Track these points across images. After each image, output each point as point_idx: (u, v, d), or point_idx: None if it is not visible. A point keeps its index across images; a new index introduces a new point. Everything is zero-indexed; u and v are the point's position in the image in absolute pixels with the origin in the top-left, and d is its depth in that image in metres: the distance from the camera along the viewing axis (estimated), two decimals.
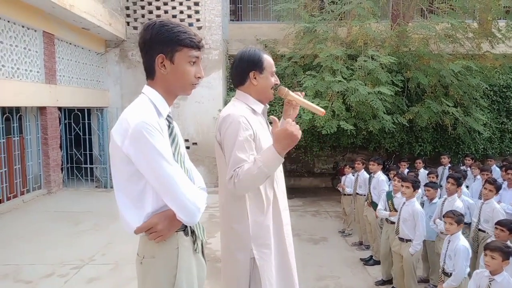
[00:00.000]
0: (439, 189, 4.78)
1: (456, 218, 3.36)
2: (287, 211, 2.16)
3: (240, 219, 1.98)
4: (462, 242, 3.33)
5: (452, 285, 3.23)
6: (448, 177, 4.50)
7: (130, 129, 1.38)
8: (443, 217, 3.53)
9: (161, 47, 1.50)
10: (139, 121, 1.38)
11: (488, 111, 9.47)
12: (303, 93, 2.19)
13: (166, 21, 1.53)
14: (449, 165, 7.38)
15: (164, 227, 1.45)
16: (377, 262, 5.23)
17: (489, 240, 3.38)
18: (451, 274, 3.29)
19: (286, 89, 2.11)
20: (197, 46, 1.55)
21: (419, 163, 7.29)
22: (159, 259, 1.49)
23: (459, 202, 4.26)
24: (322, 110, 2.14)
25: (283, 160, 1.85)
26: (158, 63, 1.51)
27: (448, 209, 4.16)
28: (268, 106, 2.20)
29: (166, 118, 1.56)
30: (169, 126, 1.56)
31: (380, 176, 5.55)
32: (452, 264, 3.29)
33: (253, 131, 1.95)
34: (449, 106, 8.10)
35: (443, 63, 8.28)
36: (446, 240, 3.46)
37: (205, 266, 1.68)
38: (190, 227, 1.58)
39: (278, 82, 2.14)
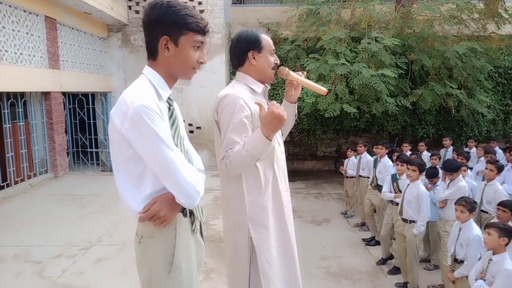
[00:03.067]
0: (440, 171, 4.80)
1: (469, 206, 3.30)
2: (287, 191, 2.15)
3: (237, 199, 1.99)
4: (475, 231, 3.28)
5: (463, 274, 3.21)
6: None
7: (129, 112, 1.36)
8: (455, 204, 3.49)
9: (166, 29, 1.46)
10: (139, 104, 1.35)
11: (493, 93, 9.41)
12: (305, 72, 2.17)
13: (173, 2, 1.48)
14: (452, 147, 7.39)
15: (166, 211, 1.45)
16: (379, 243, 5.32)
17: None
18: (461, 261, 3.28)
19: (287, 69, 2.09)
20: (203, 31, 1.52)
21: (422, 145, 7.32)
22: (157, 239, 1.50)
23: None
24: (324, 89, 2.13)
25: (271, 143, 1.85)
26: (162, 45, 1.48)
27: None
28: (268, 87, 2.19)
29: (167, 101, 1.54)
30: (169, 109, 1.55)
31: (388, 161, 5.57)
32: (464, 252, 3.26)
33: (251, 111, 1.94)
34: (453, 88, 8.06)
35: (447, 44, 8.20)
36: (457, 227, 3.43)
37: (204, 246, 1.69)
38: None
39: (278, 62, 2.12)
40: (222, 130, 1.94)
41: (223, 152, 1.89)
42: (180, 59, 1.50)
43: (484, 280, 2.79)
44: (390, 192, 4.83)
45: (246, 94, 1.99)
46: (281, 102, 2.10)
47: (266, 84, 2.14)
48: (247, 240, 1.98)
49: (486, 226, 2.95)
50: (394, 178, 4.86)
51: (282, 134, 2.29)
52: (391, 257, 4.80)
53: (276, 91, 9.05)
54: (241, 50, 2.06)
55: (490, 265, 2.82)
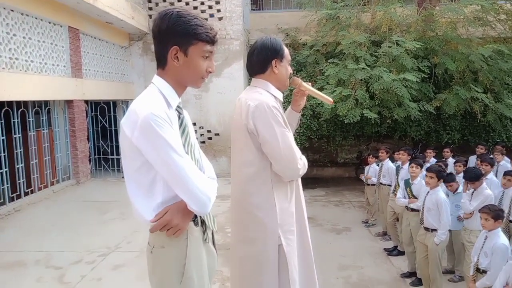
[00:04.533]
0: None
1: (493, 213, 3.15)
2: (303, 198, 2.22)
3: (266, 207, 2.00)
4: (502, 240, 3.14)
5: (486, 285, 3.05)
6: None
7: (139, 120, 1.37)
8: (479, 211, 3.34)
9: (176, 39, 1.48)
10: (148, 112, 1.37)
11: None
12: (311, 83, 2.31)
13: (183, 11, 1.50)
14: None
15: (179, 220, 1.45)
16: (401, 253, 5.16)
17: None
18: (484, 271, 3.13)
19: (300, 79, 2.21)
20: (212, 41, 1.53)
21: (447, 152, 7.06)
22: (169, 249, 1.50)
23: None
24: (331, 99, 2.28)
25: None
26: (172, 55, 1.49)
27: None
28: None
29: (176, 109, 1.55)
30: (179, 117, 1.55)
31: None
32: (488, 262, 3.11)
33: (283, 117, 2.03)
34: (479, 92, 7.79)
35: (472, 47, 7.96)
36: (483, 236, 3.28)
37: (216, 255, 1.68)
38: (200, 217, 1.58)
39: (291, 72, 2.20)
40: (265, 140, 1.96)
41: (296, 155, 1.98)
42: (189, 68, 1.51)
43: None
44: (404, 197, 4.69)
45: (274, 102, 2.04)
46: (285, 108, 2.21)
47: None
48: (277, 247, 2.00)
49: None
50: (407, 183, 4.73)
51: None
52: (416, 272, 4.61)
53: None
54: (266, 57, 2.09)
55: None
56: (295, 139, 2.13)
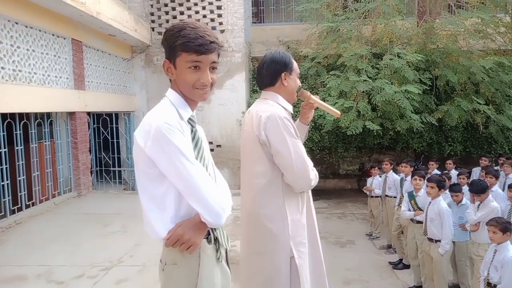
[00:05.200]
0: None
1: (501, 226, 3.12)
2: (313, 209, 2.23)
3: (278, 218, 2.00)
4: (511, 253, 3.10)
5: None
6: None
7: (152, 130, 1.38)
8: (486, 224, 3.32)
9: (166, 53, 1.52)
10: (161, 122, 1.39)
11: None
12: (318, 96, 2.40)
13: (175, 24, 1.50)
14: (482, 166, 7.06)
15: (191, 235, 1.42)
16: (407, 266, 5.09)
17: None
18: (495, 286, 3.08)
19: (308, 92, 2.26)
20: (197, 50, 1.45)
21: (450, 164, 7.03)
22: (181, 267, 1.47)
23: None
24: (338, 112, 2.35)
25: None
26: (165, 68, 1.53)
27: None
28: None
29: (189, 121, 1.54)
30: (192, 130, 1.55)
31: None
32: (499, 276, 3.07)
33: (294, 128, 2.05)
34: (480, 104, 7.80)
35: (473, 59, 7.99)
36: (492, 249, 3.25)
37: (230, 274, 1.64)
38: (214, 233, 1.54)
39: (300, 85, 2.23)
40: (277, 151, 1.97)
41: (309, 166, 1.99)
42: (179, 80, 1.51)
43: None
44: (409, 210, 4.65)
45: (284, 112, 2.07)
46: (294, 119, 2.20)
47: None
48: (289, 260, 1.98)
49: None
50: (411, 196, 4.70)
51: None
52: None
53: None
54: (276, 70, 2.13)
55: None
56: None
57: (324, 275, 2.15)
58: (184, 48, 1.46)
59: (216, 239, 1.56)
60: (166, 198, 1.44)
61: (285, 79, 2.11)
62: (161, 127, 1.38)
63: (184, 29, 1.47)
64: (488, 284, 3.16)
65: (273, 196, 2.00)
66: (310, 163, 2.02)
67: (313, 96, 2.25)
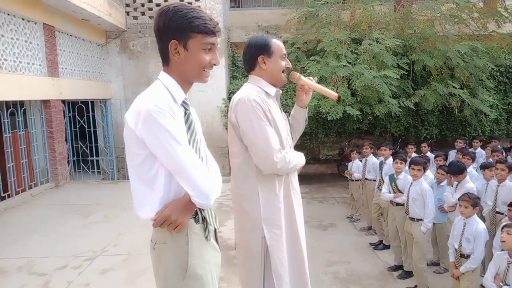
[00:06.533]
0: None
1: (472, 201, 3.33)
2: (298, 194, 2.24)
3: (251, 198, 2.05)
4: (481, 225, 3.32)
5: (470, 268, 3.24)
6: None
7: (142, 112, 1.40)
8: (458, 199, 3.50)
9: (174, 34, 1.48)
10: (151, 105, 1.40)
11: (495, 92, 9.35)
12: (315, 78, 2.25)
13: (180, 6, 1.49)
14: (457, 148, 7.30)
15: (178, 216, 1.46)
16: (387, 247, 5.25)
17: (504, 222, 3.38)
18: (467, 256, 3.28)
19: (298, 73, 2.18)
20: (213, 32, 1.51)
21: (425, 146, 7.22)
22: (170, 245, 1.51)
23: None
24: (335, 93, 2.24)
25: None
26: (172, 50, 1.49)
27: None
28: (280, 91, 2.24)
29: (182, 105, 1.56)
30: (185, 113, 1.57)
31: (392, 162, 5.51)
32: (471, 247, 3.28)
33: (267, 108, 2.03)
34: (456, 88, 8.00)
35: (448, 44, 8.16)
36: (460, 222, 3.44)
37: (219, 252, 1.69)
38: (201, 213, 1.58)
39: (290, 66, 2.18)
40: (244, 133, 2.01)
41: (275, 149, 1.97)
42: (191, 62, 1.51)
43: (508, 285, 2.73)
44: (390, 192, 4.77)
45: (260, 96, 2.05)
46: (292, 104, 2.15)
47: (278, 88, 2.20)
48: (261, 240, 2.03)
49: (504, 225, 2.91)
50: (392, 178, 4.81)
51: (293, 138, 2.36)
52: (402, 266, 4.70)
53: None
54: (251, 55, 2.13)
55: (511, 267, 2.76)
56: None
57: (304, 260, 2.15)
58: (201, 30, 1.48)
59: (204, 219, 1.59)
60: (156, 179, 1.47)
61: (263, 62, 2.10)
62: (151, 110, 1.39)
63: (194, 11, 1.49)
64: (462, 255, 3.34)
65: (247, 176, 2.05)
66: (276, 145, 1.99)
67: (304, 78, 2.19)
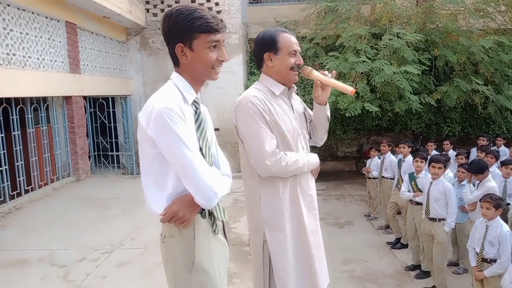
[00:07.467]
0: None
1: (494, 202, 3.17)
2: (311, 198, 2.09)
3: (253, 199, 2.01)
4: (505, 227, 3.16)
5: (496, 273, 3.07)
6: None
7: (153, 113, 1.44)
8: (480, 201, 3.35)
9: (179, 37, 1.53)
10: (162, 106, 1.44)
11: None
12: (334, 72, 2.06)
13: (182, 8, 1.53)
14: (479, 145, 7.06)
15: (185, 212, 1.51)
16: (404, 246, 5.16)
17: None
18: (491, 260, 3.14)
19: (309, 68, 2.03)
20: (215, 30, 1.54)
21: (447, 144, 7.03)
22: (178, 239, 1.56)
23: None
24: (351, 88, 2.00)
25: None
26: (179, 53, 1.54)
27: None
28: (294, 88, 2.13)
29: (193, 104, 1.60)
30: (195, 112, 1.60)
31: (411, 159, 5.39)
32: (494, 251, 3.13)
33: (268, 108, 1.95)
34: (479, 84, 7.74)
35: (472, 39, 7.90)
36: (482, 225, 3.28)
37: (227, 246, 1.71)
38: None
39: (301, 62, 2.03)
40: (242, 136, 1.98)
41: (270, 152, 1.89)
42: (198, 62, 1.55)
43: None
44: (409, 191, 4.67)
45: (263, 95, 1.97)
46: (312, 100, 2.12)
47: (291, 86, 2.10)
48: (262, 243, 1.98)
49: None
50: (412, 177, 4.70)
51: (312, 137, 2.28)
52: (420, 266, 4.60)
53: (305, 89, 8.85)
54: (258, 52, 2.07)
55: None
56: None
57: (313, 265, 2.01)
58: (204, 29, 1.51)
59: (211, 213, 1.63)
60: (166, 176, 1.52)
61: (269, 59, 2.00)
62: (162, 111, 1.43)
63: (196, 11, 1.52)
64: (484, 260, 3.20)
65: (250, 177, 2.01)
66: (269, 149, 1.88)
67: (315, 72, 2.02)
